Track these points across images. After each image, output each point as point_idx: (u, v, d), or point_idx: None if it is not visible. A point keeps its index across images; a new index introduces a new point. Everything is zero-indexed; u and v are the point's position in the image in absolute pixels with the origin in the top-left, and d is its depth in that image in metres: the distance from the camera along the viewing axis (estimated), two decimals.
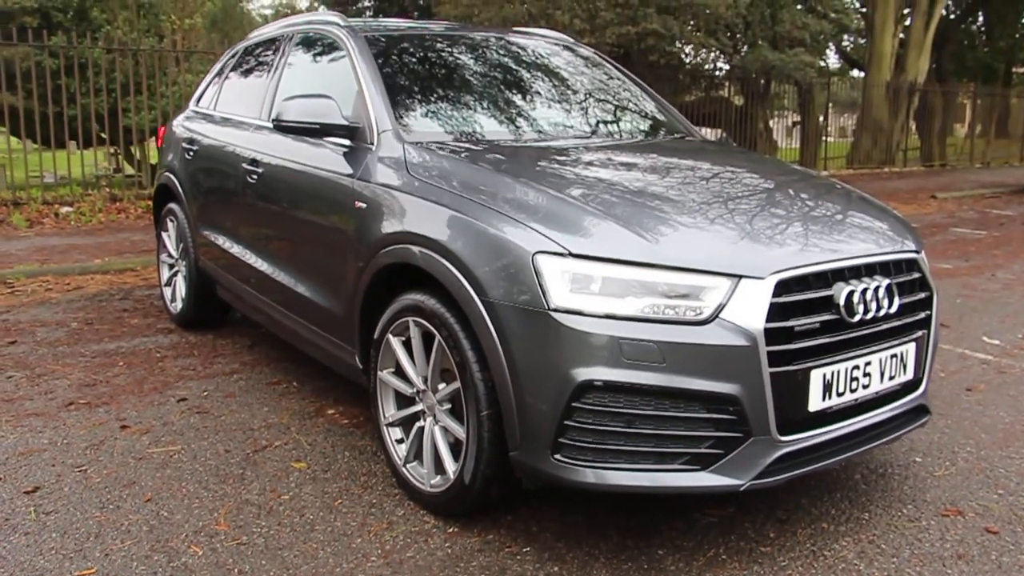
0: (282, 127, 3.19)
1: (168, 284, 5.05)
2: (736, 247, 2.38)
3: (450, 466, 2.61)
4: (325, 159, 3.30)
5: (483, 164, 2.86)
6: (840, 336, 2.41)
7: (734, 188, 2.93)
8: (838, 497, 2.89)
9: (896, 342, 2.59)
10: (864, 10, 20.89)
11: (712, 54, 15.54)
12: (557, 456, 2.28)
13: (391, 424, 2.89)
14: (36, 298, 5.64)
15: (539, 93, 3.79)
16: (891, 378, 2.59)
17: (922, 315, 2.72)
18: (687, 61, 15.61)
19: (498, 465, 2.45)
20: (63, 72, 10.10)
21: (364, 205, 2.98)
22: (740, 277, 2.28)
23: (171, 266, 4.99)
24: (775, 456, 2.31)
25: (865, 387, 2.50)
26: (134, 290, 5.87)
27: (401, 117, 3.19)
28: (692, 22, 13.18)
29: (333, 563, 2.42)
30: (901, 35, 19.06)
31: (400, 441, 2.86)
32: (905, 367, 2.63)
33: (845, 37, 24.62)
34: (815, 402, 2.36)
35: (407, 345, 2.77)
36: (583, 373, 2.23)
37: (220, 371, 4.15)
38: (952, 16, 25.41)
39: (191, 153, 4.63)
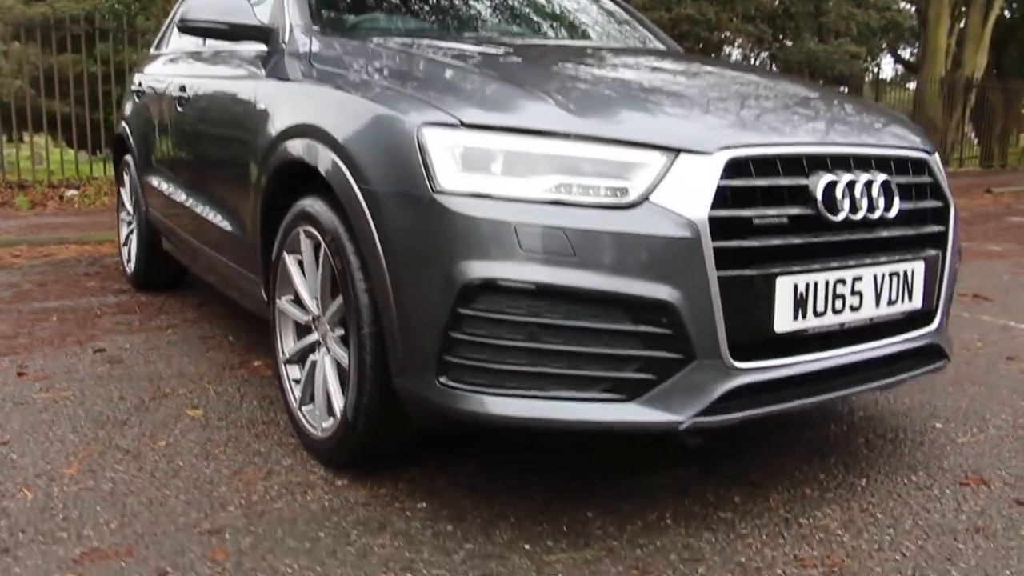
0: (188, 28, 2.78)
1: (125, 243, 4.70)
2: (678, 118, 1.88)
3: (338, 404, 2.15)
4: (240, 69, 2.90)
5: (390, 48, 2.41)
6: (819, 238, 1.88)
7: (702, 79, 2.41)
8: (832, 461, 2.34)
9: (898, 258, 2.04)
10: (917, 6, 19.99)
11: (751, 44, 14.90)
12: (443, 379, 1.79)
13: (289, 361, 2.42)
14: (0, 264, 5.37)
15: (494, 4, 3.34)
16: (891, 302, 2.04)
17: (934, 229, 2.17)
18: (727, 50, 15.01)
19: (383, 398, 1.98)
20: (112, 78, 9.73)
21: (263, 106, 2.55)
22: (679, 151, 1.77)
23: (128, 223, 4.64)
24: (728, 387, 1.78)
25: (854, 309, 1.96)
26: (104, 258, 5.56)
27: (323, 15, 2.77)
28: (730, 9, 12.60)
29: (181, 511, 1.97)
30: (957, 31, 18.13)
31: (297, 381, 2.40)
32: (911, 292, 2.08)
33: (900, 42, 23.62)
34: (783, 320, 1.83)
35: (301, 265, 2.32)
36: (471, 271, 1.74)
37: (156, 327, 3.76)
38: (1014, 16, 24.27)
39: (139, 97, 4.28)
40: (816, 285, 1.87)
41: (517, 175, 1.75)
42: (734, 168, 1.79)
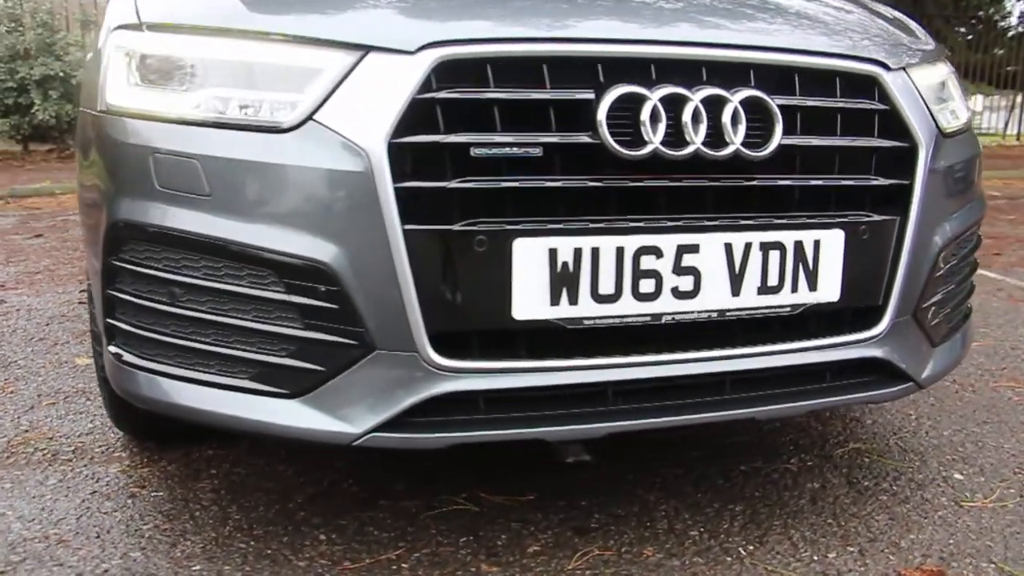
0: None
1: None
2: (390, 10, 1.31)
3: None
4: None
5: None
6: (603, 182, 1.24)
7: None
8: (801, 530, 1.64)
9: (783, 221, 1.32)
10: None
11: None
12: (112, 347, 1.42)
13: None
14: None
15: None
16: (768, 290, 1.33)
17: (878, 182, 1.39)
18: None
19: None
20: None
21: None
22: (368, 50, 1.22)
23: None
24: (425, 395, 1.24)
25: (683, 294, 1.28)
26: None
27: None
28: None
29: None
30: None
31: None
32: (813, 276, 1.34)
33: None
34: (529, 303, 1.22)
35: None
36: (113, 211, 1.34)
37: None
38: None
39: None
40: (597, 254, 1.23)
41: (177, 88, 1.30)
42: (448, 73, 1.20)
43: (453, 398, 1.24)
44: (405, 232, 1.18)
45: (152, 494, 1.66)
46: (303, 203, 1.21)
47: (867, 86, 1.40)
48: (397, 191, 1.17)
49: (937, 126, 1.49)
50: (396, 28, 1.23)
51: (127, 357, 1.35)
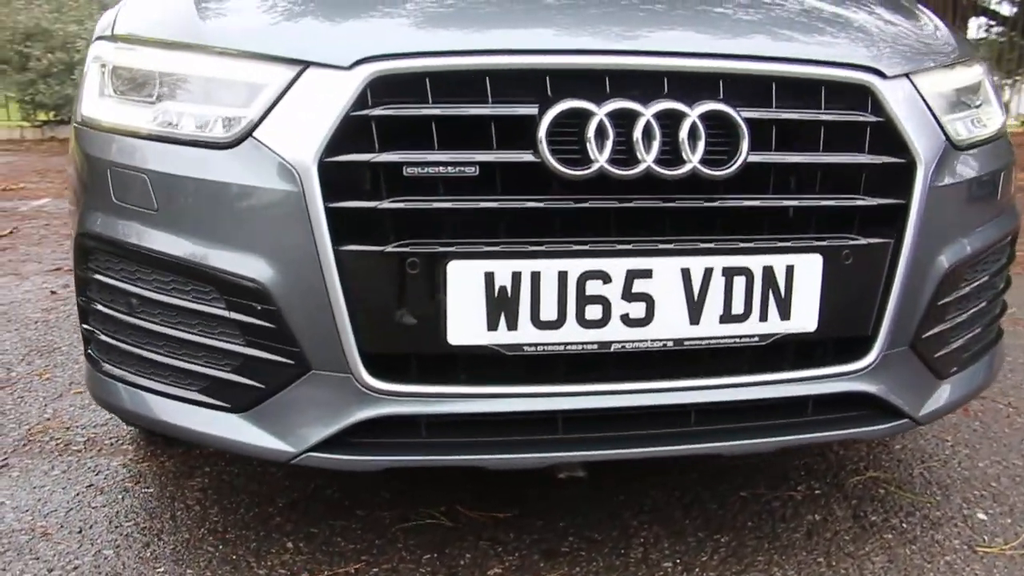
0: None
1: None
2: (333, 23, 1.27)
3: None
4: None
5: None
6: (545, 202, 1.18)
7: None
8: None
9: (750, 245, 1.22)
10: None
11: None
12: (89, 352, 1.46)
13: None
14: None
15: None
16: (731, 318, 1.23)
17: (864, 202, 1.27)
18: None
19: None
20: None
21: None
22: (307, 65, 1.20)
23: None
24: (359, 417, 1.21)
25: (634, 322, 1.20)
26: None
27: None
28: None
29: None
30: None
31: None
32: (784, 304, 1.24)
33: None
34: (466, 328, 1.17)
35: None
36: (83, 222, 1.37)
37: None
38: None
39: None
40: (538, 278, 1.17)
41: (137, 102, 1.32)
42: (385, 88, 1.16)
43: (393, 420, 1.22)
44: (336, 252, 1.15)
45: (143, 490, 1.72)
46: (240, 221, 1.20)
47: (858, 96, 1.28)
48: (328, 211, 1.15)
49: (948, 138, 1.34)
50: (334, 42, 1.20)
51: (97, 363, 1.39)
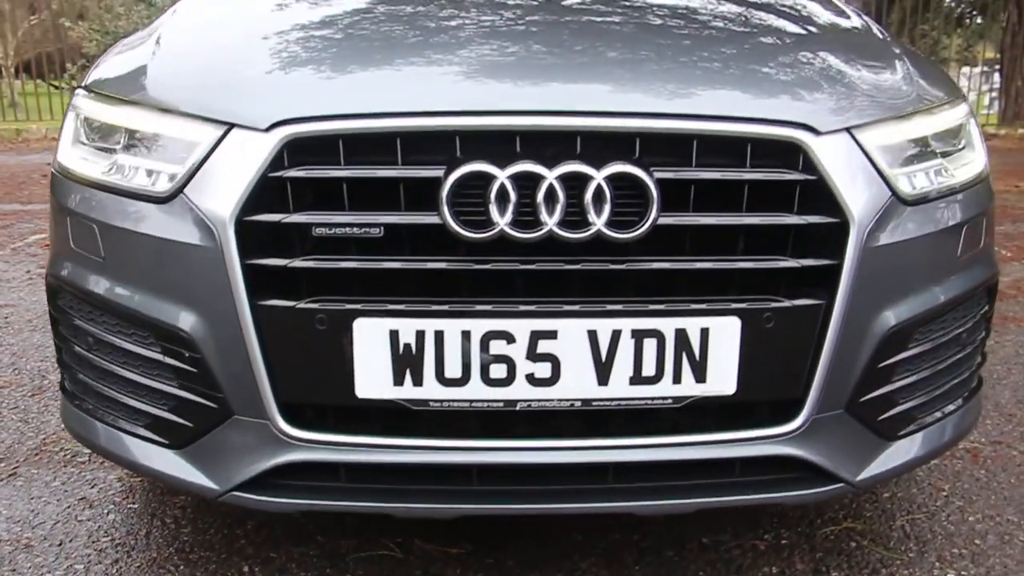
0: None
1: None
2: (259, 83, 1.31)
3: None
4: None
5: None
6: (443, 262, 1.19)
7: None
8: None
9: (663, 307, 1.20)
10: None
11: None
12: (63, 384, 1.57)
13: None
14: None
15: None
16: (642, 380, 1.22)
17: (786, 264, 1.23)
18: None
19: None
20: None
21: None
22: (231, 126, 1.25)
23: None
24: (275, 462, 1.27)
25: (539, 381, 1.21)
26: None
27: None
28: None
29: None
30: None
31: None
32: (700, 367, 1.22)
33: None
34: (373, 382, 1.21)
35: None
36: (51, 264, 1.48)
37: None
38: None
39: None
40: (442, 336, 1.19)
41: (95, 152, 1.41)
42: (300, 150, 1.20)
43: (312, 466, 1.27)
44: (253, 306, 1.21)
45: (129, 506, 1.83)
46: (170, 274, 1.27)
47: (788, 153, 1.24)
48: (245, 267, 1.20)
49: (895, 193, 1.29)
50: (255, 104, 1.25)
51: (69, 396, 1.49)
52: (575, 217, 1.18)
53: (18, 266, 3.92)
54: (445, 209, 1.16)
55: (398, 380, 1.21)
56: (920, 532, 1.74)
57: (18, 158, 8.11)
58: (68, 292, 1.42)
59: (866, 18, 1.80)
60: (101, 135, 1.41)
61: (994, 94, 12.05)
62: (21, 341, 2.87)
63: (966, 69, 12.66)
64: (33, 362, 2.69)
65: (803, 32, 1.59)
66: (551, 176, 1.16)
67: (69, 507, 1.82)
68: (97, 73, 1.53)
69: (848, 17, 1.78)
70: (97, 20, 10.15)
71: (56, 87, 10.48)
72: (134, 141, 1.35)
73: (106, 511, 1.81)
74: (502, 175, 1.16)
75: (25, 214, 5.22)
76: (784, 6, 1.80)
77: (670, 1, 1.67)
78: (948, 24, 11.55)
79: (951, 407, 1.48)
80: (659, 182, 1.18)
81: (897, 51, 1.56)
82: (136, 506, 1.83)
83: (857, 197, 1.24)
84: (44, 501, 1.84)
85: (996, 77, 11.91)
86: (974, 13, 12.99)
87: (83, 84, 1.53)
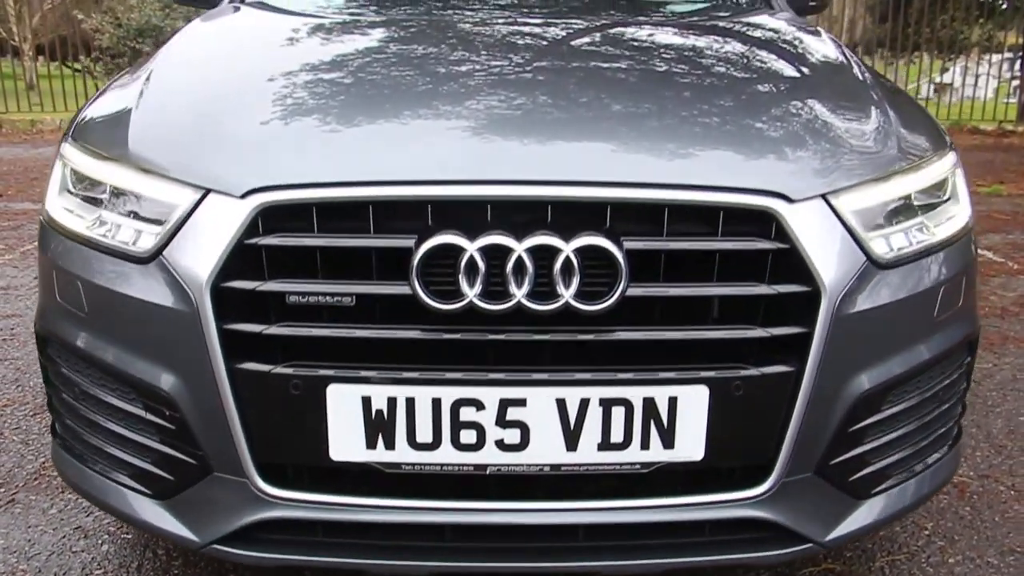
0: None
1: None
2: (238, 148, 1.33)
3: None
4: None
5: None
6: (414, 331, 1.21)
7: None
8: None
9: (631, 376, 1.22)
10: None
11: None
12: (54, 429, 1.60)
13: None
14: None
15: None
16: (610, 446, 1.24)
17: (755, 334, 1.24)
18: None
19: None
20: None
21: None
22: (208, 191, 1.27)
23: None
24: (254, 518, 1.30)
25: (508, 447, 1.23)
26: None
27: None
28: None
29: None
30: None
31: None
32: (668, 434, 1.23)
33: None
34: (346, 446, 1.24)
35: None
36: (38, 315, 1.51)
37: None
38: None
39: None
40: (413, 403, 1.22)
41: (82, 205, 1.43)
42: (275, 218, 1.22)
43: (290, 522, 1.30)
44: (230, 370, 1.23)
45: (123, 536, 1.87)
46: (149, 334, 1.30)
47: (760, 222, 1.24)
48: (221, 331, 1.23)
49: (870, 257, 1.29)
50: (231, 170, 1.27)
51: (60, 441, 1.53)
52: (544, 288, 1.19)
53: (27, 272, 3.98)
54: (415, 280, 1.18)
55: (371, 444, 1.23)
56: (899, 575, 1.76)
57: (33, 151, 8.20)
58: (55, 342, 1.46)
59: (848, 54, 1.79)
60: (86, 187, 1.43)
61: (1016, 82, 11.91)
62: (26, 355, 2.92)
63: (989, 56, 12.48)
64: (38, 378, 2.73)
65: (782, 82, 1.58)
66: (520, 248, 1.18)
67: (64, 536, 1.87)
68: (86, 114, 1.56)
69: (830, 56, 1.76)
70: (110, 12, 10.19)
71: (74, 69, 10.54)
72: (116, 198, 1.37)
73: (100, 541, 1.85)
74: (471, 247, 1.18)
75: (36, 213, 5.29)
76: (764, 46, 1.80)
77: (642, 54, 1.68)
78: (969, 14, 11.41)
79: (928, 461, 1.49)
80: (628, 253, 1.19)
81: (878, 96, 1.55)
82: (130, 536, 1.87)
83: (830, 264, 1.25)
84: (41, 530, 1.89)
85: (1018, 65, 11.76)
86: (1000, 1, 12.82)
87: (70, 131, 1.55)
